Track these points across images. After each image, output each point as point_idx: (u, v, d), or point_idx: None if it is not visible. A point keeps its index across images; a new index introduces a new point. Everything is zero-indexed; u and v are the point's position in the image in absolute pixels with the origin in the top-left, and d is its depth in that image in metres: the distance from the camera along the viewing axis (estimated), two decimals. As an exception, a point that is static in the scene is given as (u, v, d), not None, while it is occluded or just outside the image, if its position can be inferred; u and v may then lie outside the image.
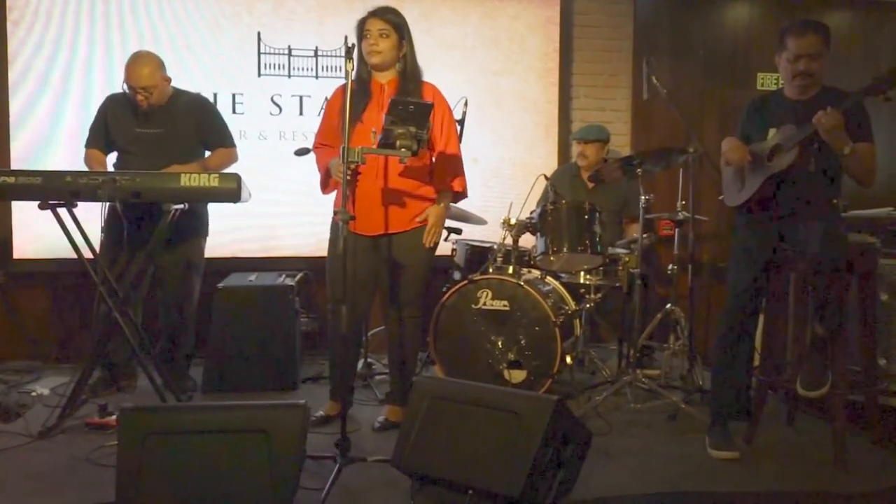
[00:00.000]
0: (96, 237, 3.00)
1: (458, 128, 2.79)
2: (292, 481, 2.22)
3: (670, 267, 3.81)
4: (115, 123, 3.46)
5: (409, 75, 3.00)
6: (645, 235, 3.55)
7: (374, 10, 2.98)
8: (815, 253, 2.66)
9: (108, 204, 2.97)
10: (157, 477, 2.16)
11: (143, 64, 3.34)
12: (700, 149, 3.51)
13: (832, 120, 2.60)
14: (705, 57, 4.83)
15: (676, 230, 3.85)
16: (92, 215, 3.01)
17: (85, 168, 3.42)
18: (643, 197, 3.43)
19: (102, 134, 3.49)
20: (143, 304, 3.60)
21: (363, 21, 2.98)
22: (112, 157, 3.56)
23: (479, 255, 3.86)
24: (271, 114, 4.38)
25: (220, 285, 3.76)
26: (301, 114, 4.41)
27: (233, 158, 3.56)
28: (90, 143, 3.51)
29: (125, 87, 3.36)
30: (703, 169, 4.24)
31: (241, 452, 2.19)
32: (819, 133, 2.65)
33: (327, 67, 4.42)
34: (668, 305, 3.82)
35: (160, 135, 3.40)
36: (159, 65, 3.39)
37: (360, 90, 2.94)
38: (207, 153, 3.57)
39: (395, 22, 2.96)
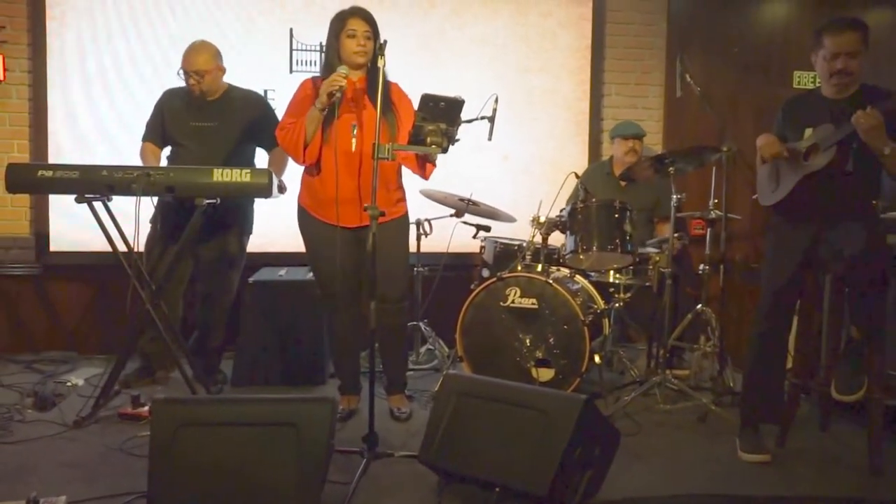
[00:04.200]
0: (130, 230, 3.05)
1: (489, 125, 2.77)
2: (320, 475, 2.23)
3: (701, 267, 3.77)
4: (171, 117, 3.52)
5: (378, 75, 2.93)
6: (676, 235, 3.51)
7: (356, 9, 3.01)
8: (854, 255, 2.61)
9: (156, 198, 3.04)
10: (187, 468, 2.19)
11: (199, 51, 3.41)
12: (733, 148, 3.46)
13: (871, 120, 2.55)
14: (740, 54, 4.76)
15: (708, 229, 3.80)
16: (127, 209, 3.06)
17: (141, 161, 3.51)
18: (675, 196, 3.40)
19: (159, 128, 3.55)
20: (183, 297, 3.65)
21: (345, 19, 2.99)
22: (167, 151, 3.62)
23: (507, 253, 3.85)
24: (303, 110, 4.41)
25: (251, 280, 3.80)
26: (332, 110, 4.43)
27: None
28: (146, 137, 3.58)
29: (180, 73, 3.43)
30: (737, 168, 4.18)
31: (270, 445, 2.21)
32: (858, 133, 2.60)
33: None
34: (699, 306, 3.77)
35: (214, 128, 3.46)
36: (215, 53, 3.47)
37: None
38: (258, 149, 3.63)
39: (375, 24, 3.00)
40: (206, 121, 3.46)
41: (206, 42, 3.48)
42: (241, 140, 3.50)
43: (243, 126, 3.50)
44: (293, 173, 3.25)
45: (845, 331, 2.87)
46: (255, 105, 3.59)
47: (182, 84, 3.48)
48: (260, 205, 3.71)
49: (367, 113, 2.99)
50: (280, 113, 3.69)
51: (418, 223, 3.98)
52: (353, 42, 2.97)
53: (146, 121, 3.61)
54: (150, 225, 3.54)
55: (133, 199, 2.99)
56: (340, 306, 3.17)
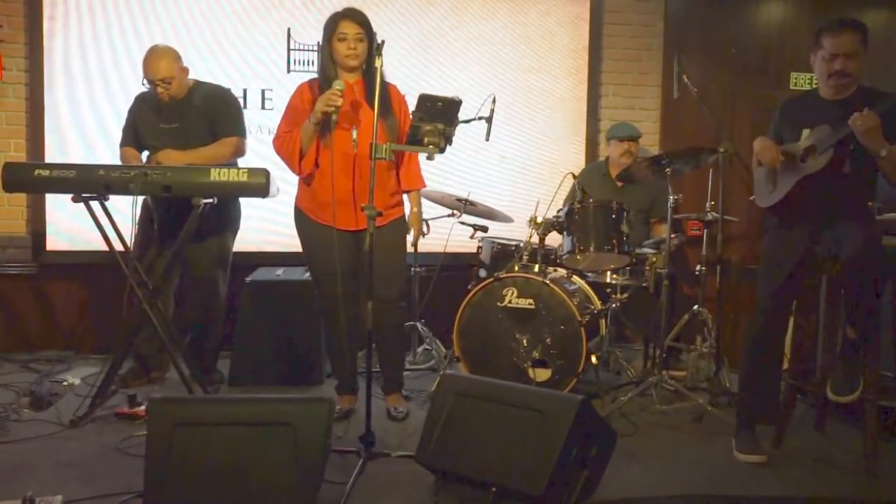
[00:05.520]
0: (127, 230, 3.05)
1: (486, 125, 2.78)
2: (317, 474, 2.24)
3: (698, 268, 3.77)
4: (141, 121, 3.51)
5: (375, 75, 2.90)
6: (673, 236, 3.51)
7: (347, 11, 3.01)
8: (851, 256, 2.62)
9: (142, 197, 3.00)
10: (184, 467, 2.19)
11: (159, 57, 3.36)
12: (730, 149, 3.47)
13: (868, 122, 2.55)
14: (737, 56, 4.77)
15: (705, 231, 3.81)
16: (121, 207, 3.06)
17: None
18: (672, 197, 3.40)
19: (132, 132, 3.55)
20: (174, 296, 3.64)
21: (336, 22, 2.99)
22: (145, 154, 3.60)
23: (504, 253, 3.85)
24: (300, 110, 4.41)
25: (248, 279, 3.80)
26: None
27: (235, 147, 3.46)
28: (123, 142, 3.57)
29: (144, 82, 3.40)
30: (734, 169, 4.19)
31: (267, 445, 2.22)
32: (855, 135, 2.60)
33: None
34: (696, 306, 3.78)
35: (177, 129, 3.43)
36: (176, 56, 3.42)
37: (327, 89, 2.92)
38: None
39: (368, 25, 3.00)
40: (171, 122, 3.43)
41: (163, 46, 3.44)
42: (204, 137, 3.44)
43: (203, 122, 3.44)
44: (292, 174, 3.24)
45: (841, 332, 2.87)
46: (216, 99, 3.51)
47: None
48: (258, 205, 3.70)
49: (366, 115, 2.99)
50: (272, 113, 3.71)
51: (415, 223, 3.98)
52: (343, 46, 2.98)
53: (122, 123, 3.60)
54: (137, 225, 3.51)
55: (129, 198, 2.98)
56: (338, 307, 3.17)
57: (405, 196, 3.29)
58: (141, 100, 3.56)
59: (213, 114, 3.46)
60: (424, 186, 3.30)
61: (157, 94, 3.38)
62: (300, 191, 3.18)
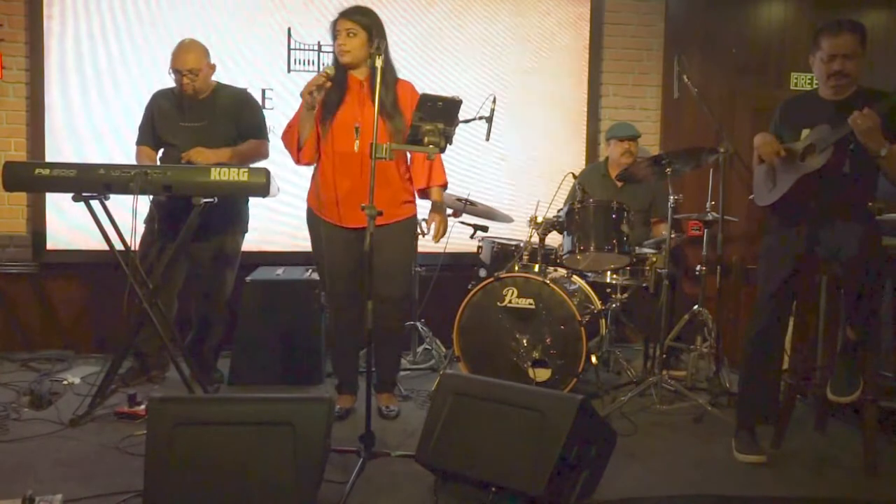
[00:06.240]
0: (127, 229, 3.05)
1: (487, 125, 2.78)
2: (317, 474, 2.24)
3: (698, 268, 3.78)
4: (161, 117, 3.52)
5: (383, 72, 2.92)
6: (673, 236, 3.52)
7: (343, 10, 3.05)
8: (850, 256, 2.62)
9: (151, 197, 3.02)
10: (184, 467, 2.19)
11: (188, 49, 3.40)
12: (731, 149, 3.47)
13: (868, 121, 2.55)
14: (737, 56, 4.77)
15: (705, 230, 3.81)
16: (123, 207, 3.06)
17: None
18: (672, 197, 3.40)
19: (150, 130, 3.55)
20: (178, 296, 3.64)
21: (335, 20, 3.04)
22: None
23: (505, 253, 3.86)
24: (300, 109, 4.40)
25: (248, 279, 3.80)
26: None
27: (262, 150, 3.56)
28: (140, 141, 3.57)
29: (171, 73, 3.42)
30: (734, 169, 4.19)
31: (267, 444, 2.21)
32: (854, 134, 2.61)
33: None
34: (696, 306, 3.78)
35: (202, 127, 3.44)
36: (204, 51, 3.45)
37: (337, 86, 3.00)
38: None
39: (362, 21, 3.01)
40: (195, 120, 3.45)
41: (194, 40, 3.47)
42: (231, 138, 3.47)
43: (230, 124, 3.48)
44: (300, 173, 3.24)
45: (841, 332, 2.88)
46: (242, 102, 3.57)
47: (170, 85, 3.47)
48: (258, 204, 3.70)
49: (370, 113, 2.99)
50: (272, 112, 3.71)
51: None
52: (335, 43, 3.02)
53: (138, 125, 3.60)
54: (144, 225, 3.53)
55: (130, 197, 2.98)
56: (343, 305, 3.17)
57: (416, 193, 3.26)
58: (160, 96, 3.57)
59: (240, 115, 3.51)
60: (445, 182, 3.21)
61: (182, 86, 3.41)
62: (310, 188, 3.19)
